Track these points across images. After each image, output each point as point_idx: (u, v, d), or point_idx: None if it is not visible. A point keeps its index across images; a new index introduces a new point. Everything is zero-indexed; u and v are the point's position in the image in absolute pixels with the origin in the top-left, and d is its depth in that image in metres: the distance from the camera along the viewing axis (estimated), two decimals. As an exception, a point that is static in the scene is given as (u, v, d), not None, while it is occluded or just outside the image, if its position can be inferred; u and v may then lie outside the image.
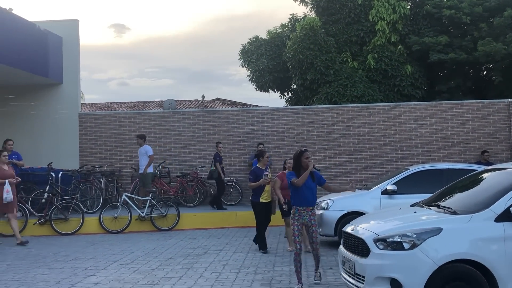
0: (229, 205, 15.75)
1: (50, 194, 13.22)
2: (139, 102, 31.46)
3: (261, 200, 10.24)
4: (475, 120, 16.18)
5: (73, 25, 17.10)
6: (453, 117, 16.24)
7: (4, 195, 11.13)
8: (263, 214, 10.35)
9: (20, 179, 12.13)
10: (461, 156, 16.00)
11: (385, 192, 10.65)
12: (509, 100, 16.34)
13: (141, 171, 14.50)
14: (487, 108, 16.21)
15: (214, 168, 15.05)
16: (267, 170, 10.15)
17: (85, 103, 32.65)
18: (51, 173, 13.83)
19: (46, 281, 8.00)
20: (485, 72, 24.09)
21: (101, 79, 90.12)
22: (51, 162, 14.34)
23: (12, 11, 14.91)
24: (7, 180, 11.24)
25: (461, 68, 22.63)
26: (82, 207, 13.35)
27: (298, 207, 7.52)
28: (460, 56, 20.99)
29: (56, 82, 16.74)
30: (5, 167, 11.57)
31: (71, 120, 16.76)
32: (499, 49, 20.05)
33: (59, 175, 14.12)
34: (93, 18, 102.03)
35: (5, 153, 11.72)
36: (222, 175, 14.98)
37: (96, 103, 32.31)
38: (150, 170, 14.53)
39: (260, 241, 10.40)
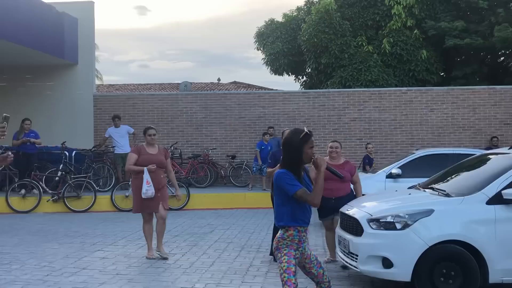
0: (239, 186, 16.01)
1: (64, 172, 13.56)
2: (155, 84, 31.75)
3: None
4: (487, 106, 16.15)
5: (89, 6, 17.37)
6: (465, 102, 16.23)
7: (144, 189, 7.84)
8: None
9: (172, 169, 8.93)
10: (472, 142, 16.02)
11: (390, 176, 10.84)
12: (522, 86, 16.28)
13: (127, 150, 14.05)
14: (499, 94, 16.17)
15: None
16: None
17: (102, 84, 33.09)
18: (65, 152, 14.19)
19: (54, 254, 8.30)
20: (502, 58, 23.89)
21: (122, 61, 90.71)
22: (65, 141, 14.65)
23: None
24: (145, 168, 7.90)
25: (477, 54, 22.48)
26: (95, 186, 13.67)
27: (298, 228, 4.34)
28: (476, 41, 20.84)
29: (72, 63, 17.04)
30: (153, 150, 8.12)
31: (86, 100, 17.09)
32: (515, 35, 19.89)
33: (73, 154, 14.48)
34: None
35: (153, 131, 8.16)
36: None
37: (113, 85, 32.73)
38: None
39: None
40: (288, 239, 4.31)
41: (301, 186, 4.25)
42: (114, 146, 14.82)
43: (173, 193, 13.36)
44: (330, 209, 7.42)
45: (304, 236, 4.38)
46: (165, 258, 7.94)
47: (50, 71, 17.21)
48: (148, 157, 7.99)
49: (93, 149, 15.38)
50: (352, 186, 7.81)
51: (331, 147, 7.83)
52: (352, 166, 7.87)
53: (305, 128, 4.38)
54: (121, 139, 14.64)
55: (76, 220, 11.89)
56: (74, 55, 16.97)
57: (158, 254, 8.07)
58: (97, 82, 34.10)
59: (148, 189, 7.84)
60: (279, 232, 4.38)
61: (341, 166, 7.66)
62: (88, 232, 10.39)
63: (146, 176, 7.85)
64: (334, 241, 7.56)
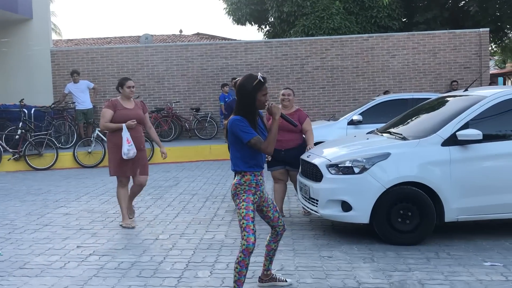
0: (204, 139, 16.00)
1: (23, 131, 13.30)
2: (116, 37, 31.05)
3: None
4: (447, 51, 16.32)
5: (41, -43, 16.70)
6: (425, 47, 16.36)
7: (125, 148, 6.88)
8: None
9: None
10: (432, 87, 16.25)
11: (351, 123, 10.96)
12: (481, 30, 16.46)
13: (89, 105, 14.58)
14: (458, 38, 16.33)
15: None
16: None
17: (61, 39, 32.23)
18: (24, 109, 13.88)
19: (16, 212, 8.22)
20: (462, 3, 23.98)
21: (82, 16, 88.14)
22: (23, 99, 14.32)
23: None
24: (124, 125, 6.97)
25: (438, -1, 22.51)
26: (56, 143, 13.47)
27: (255, 172, 4.35)
28: (437, -15, 20.85)
29: (26, 18, 16.48)
30: (129, 104, 7.15)
31: (43, 56, 16.64)
32: (475, -22, 19.95)
33: (32, 112, 14.17)
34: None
35: (132, 82, 7.18)
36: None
37: (72, 39, 31.84)
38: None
39: None
40: (245, 184, 4.30)
41: (255, 134, 4.21)
42: (75, 102, 14.58)
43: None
44: (279, 161, 7.17)
45: (260, 179, 4.38)
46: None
47: (3, 27, 16.62)
48: (125, 112, 7.02)
49: (53, 105, 15.07)
50: (304, 136, 7.42)
51: (283, 95, 7.40)
52: (302, 114, 7.41)
53: (258, 75, 4.24)
54: (81, 95, 14.42)
55: (38, 178, 11.75)
56: (28, 9, 16.39)
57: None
58: (56, 37, 33.24)
59: (129, 149, 6.87)
60: (236, 177, 4.38)
61: (291, 114, 7.21)
62: (51, 189, 10.30)
63: (126, 134, 6.88)
64: (282, 195, 7.40)
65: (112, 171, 7.16)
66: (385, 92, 14.99)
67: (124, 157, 6.90)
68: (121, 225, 7.19)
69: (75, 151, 13.26)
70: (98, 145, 13.33)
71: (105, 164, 12.99)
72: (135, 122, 7.01)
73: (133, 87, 7.16)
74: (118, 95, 7.32)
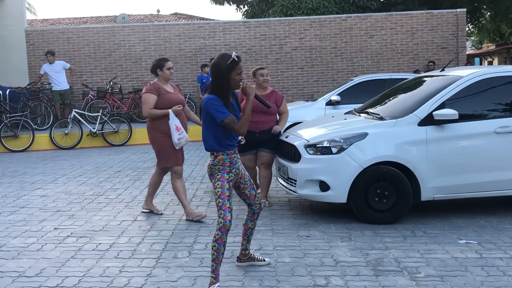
0: (182, 119, 15.93)
1: (-2, 112, 13.13)
2: (92, 17, 30.59)
3: None
4: (424, 31, 16.41)
5: None
6: (403, 28, 16.43)
7: (175, 138, 6.26)
8: None
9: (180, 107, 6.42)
10: (410, 67, 16.35)
11: (330, 103, 10.98)
12: (458, 10, 16.57)
13: (65, 86, 14.40)
14: (436, 19, 16.41)
15: None
16: None
17: (36, 19, 31.65)
18: (-2, 90, 13.68)
19: (-8, 195, 8.13)
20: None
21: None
22: (-4, 80, 14.12)
23: None
24: (170, 110, 6.28)
25: (416, -21, 22.53)
26: (32, 124, 13.29)
27: (227, 151, 4.33)
28: (415, -35, 20.88)
29: (-1, -3, 16.18)
30: (169, 87, 6.49)
31: (18, 36, 16.36)
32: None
33: (7, 93, 13.95)
34: None
35: (170, 63, 6.47)
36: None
37: (47, 19, 31.29)
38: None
39: None
40: (219, 164, 4.31)
41: (229, 113, 4.20)
42: (51, 83, 14.37)
43: (114, 129, 13.36)
44: (253, 143, 6.80)
45: (235, 157, 4.38)
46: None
47: (-24, 6, 16.30)
48: (169, 96, 6.34)
49: (28, 86, 14.85)
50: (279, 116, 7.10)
51: (261, 75, 6.93)
52: (279, 96, 7.05)
53: (233, 54, 4.20)
54: (57, 76, 14.20)
55: (14, 160, 11.60)
56: (1, -12, 16.08)
57: (147, 210, 6.83)
58: (31, 16, 32.59)
59: (180, 137, 6.26)
60: (210, 158, 4.38)
61: (267, 95, 6.89)
62: (27, 171, 10.18)
63: (175, 121, 6.22)
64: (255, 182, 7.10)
65: (172, 162, 6.47)
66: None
67: (177, 147, 6.36)
68: (191, 220, 6.38)
69: (52, 132, 13.10)
70: (75, 126, 13.19)
71: (82, 145, 13.06)
72: (181, 107, 6.40)
73: (170, 68, 6.48)
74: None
